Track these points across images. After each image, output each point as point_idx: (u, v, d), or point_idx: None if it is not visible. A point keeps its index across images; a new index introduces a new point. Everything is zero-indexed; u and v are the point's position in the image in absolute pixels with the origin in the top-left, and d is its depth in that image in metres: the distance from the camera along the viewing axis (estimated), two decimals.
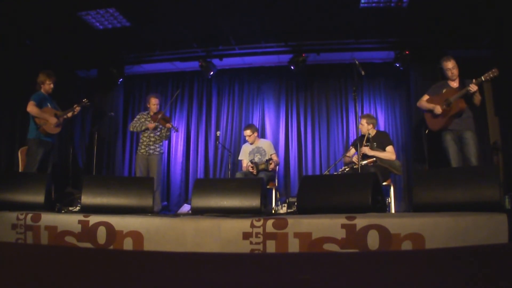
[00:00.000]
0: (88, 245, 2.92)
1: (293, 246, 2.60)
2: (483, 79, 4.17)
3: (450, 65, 4.48)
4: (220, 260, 2.24)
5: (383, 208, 3.09)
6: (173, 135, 6.86)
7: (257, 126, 6.23)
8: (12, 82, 5.66)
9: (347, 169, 4.81)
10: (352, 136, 6.30)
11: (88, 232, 2.94)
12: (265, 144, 5.70)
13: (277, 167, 5.80)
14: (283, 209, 4.67)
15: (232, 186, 3.19)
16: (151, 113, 5.68)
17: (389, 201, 4.67)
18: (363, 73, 4.49)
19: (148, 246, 2.83)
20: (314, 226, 2.59)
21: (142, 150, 5.58)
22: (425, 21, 5.32)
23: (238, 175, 5.53)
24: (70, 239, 2.97)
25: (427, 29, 5.51)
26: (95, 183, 3.48)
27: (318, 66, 6.54)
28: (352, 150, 5.07)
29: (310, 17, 5.43)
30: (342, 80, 6.63)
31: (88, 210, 3.24)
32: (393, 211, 4.65)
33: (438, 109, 4.46)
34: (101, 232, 2.92)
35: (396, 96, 6.44)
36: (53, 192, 4.14)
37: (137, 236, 2.86)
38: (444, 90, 4.52)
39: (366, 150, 4.79)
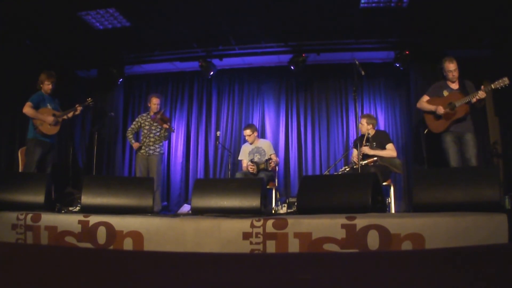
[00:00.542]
0: (88, 245, 2.92)
1: (293, 246, 2.60)
2: (493, 87, 4.14)
3: (452, 67, 4.45)
4: (220, 260, 2.24)
5: (383, 208, 3.09)
6: (173, 135, 6.86)
7: (257, 126, 6.23)
8: (12, 82, 5.66)
9: (347, 169, 4.81)
10: (352, 136, 6.30)
11: (88, 232, 2.94)
12: (265, 144, 5.70)
13: (277, 167, 5.80)
14: (283, 209, 4.67)
15: (232, 186, 3.19)
16: (151, 113, 5.69)
17: (389, 201, 4.67)
18: (363, 73, 4.49)
19: (148, 246, 2.83)
20: (314, 226, 2.59)
21: (142, 151, 5.58)
22: (425, 21, 5.32)
23: (238, 175, 5.53)
24: (70, 239, 2.97)
25: (427, 29, 5.51)
26: (95, 183, 3.48)
27: (318, 66, 6.54)
28: (355, 152, 5.07)
29: (310, 17, 5.43)
30: (342, 80, 6.63)
31: (88, 210, 3.24)
32: (393, 211, 4.65)
33: (440, 109, 4.42)
34: (101, 232, 2.92)
35: (396, 96, 6.44)
36: (53, 192, 4.12)
37: (137, 236, 2.86)
38: (445, 92, 4.50)
39: (366, 150, 4.79)
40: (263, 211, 3.03)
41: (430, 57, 5.80)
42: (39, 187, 3.45)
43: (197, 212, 3.16)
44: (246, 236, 2.68)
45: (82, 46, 6.15)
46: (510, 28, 5.10)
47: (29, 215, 3.09)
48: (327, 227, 2.57)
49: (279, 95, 6.83)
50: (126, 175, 6.72)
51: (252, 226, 2.69)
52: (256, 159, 5.52)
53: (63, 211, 3.78)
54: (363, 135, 4.96)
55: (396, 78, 6.37)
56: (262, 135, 6.58)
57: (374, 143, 4.86)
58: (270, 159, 5.44)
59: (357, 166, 4.47)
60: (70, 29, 5.55)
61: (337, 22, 5.54)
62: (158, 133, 5.62)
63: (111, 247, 2.88)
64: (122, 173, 6.77)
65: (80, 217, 3.02)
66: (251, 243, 2.66)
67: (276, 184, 5.68)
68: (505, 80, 4.08)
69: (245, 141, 5.85)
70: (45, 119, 4.77)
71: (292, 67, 6.17)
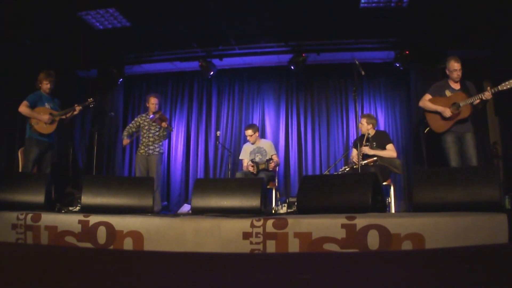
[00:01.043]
0: (88, 245, 2.92)
1: (293, 246, 2.60)
2: (499, 88, 4.12)
3: (457, 66, 4.43)
4: (220, 260, 2.24)
5: (383, 208, 3.09)
6: (173, 134, 6.86)
7: (258, 126, 6.22)
8: (12, 82, 5.67)
9: (347, 169, 4.81)
10: (352, 136, 6.30)
11: (88, 232, 2.94)
12: (266, 144, 5.69)
13: (277, 167, 5.79)
14: (283, 209, 4.67)
15: (232, 186, 3.19)
16: (150, 113, 5.69)
17: (389, 201, 4.67)
18: (363, 73, 4.48)
19: (148, 246, 2.83)
20: (314, 226, 2.59)
21: (142, 151, 5.58)
22: (425, 21, 5.32)
23: (238, 175, 5.52)
24: (70, 239, 2.97)
25: (427, 29, 5.51)
26: (95, 183, 3.48)
27: (318, 66, 6.54)
28: (355, 151, 5.07)
29: (310, 17, 5.43)
30: (342, 80, 6.64)
31: (88, 210, 3.24)
32: (393, 211, 4.65)
33: (447, 113, 4.39)
34: (101, 232, 2.92)
35: (396, 96, 6.44)
36: (53, 192, 4.13)
37: (137, 236, 2.86)
38: (447, 92, 4.49)
39: (366, 149, 4.79)
40: (263, 211, 3.03)
41: (430, 57, 5.80)
42: (39, 187, 3.45)
43: (197, 212, 3.16)
44: (246, 236, 2.68)
45: (82, 46, 6.14)
46: (510, 28, 5.10)
47: (29, 215, 3.09)
48: (327, 227, 2.57)
49: (279, 95, 6.83)
50: (126, 175, 6.72)
51: (252, 226, 2.69)
52: (257, 159, 5.52)
53: (63, 211, 3.78)
54: (363, 135, 4.96)
55: (396, 78, 6.37)
56: (262, 135, 6.58)
57: (374, 143, 4.86)
58: (270, 159, 5.43)
59: (357, 166, 4.47)
60: (70, 29, 5.55)
61: (337, 22, 5.54)
62: (157, 133, 5.62)
63: (111, 247, 2.88)
64: (122, 173, 6.77)
65: (80, 217, 3.02)
66: (251, 243, 2.66)
67: (276, 184, 5.68)
68: None
69: (245, 140, 5.85)
70: (40, 118, 4.76)
71: (292, 67, 6.17)
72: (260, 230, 2.67)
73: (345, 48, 6.02)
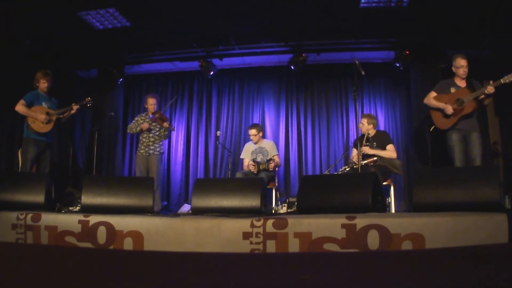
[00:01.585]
0: (88, 245, 2.92)
1: (293, 246, 2.60)
2: (502, 81, 4.10)
3: (464, 63, 4.43)
4: (220, 260, 2.24)
5: (383, 208, 3.09)
6: (173, 134, 6.86)
7: (262, 126, 6.21)
8: (12, 82, 5.66)
9: (347, 169, 4.81)
10: (352, 136, 6.30)
11: (88, 232, 2.94)
12: (268, 144, 5.69)
13: (277, 168, 5.79)
14: (283, 209, 4.67)
15: (232, 186, 3.19)
16: (149, 113, 5.69)
17: (389, 201, 4.67)
18: (363, 73, 4.48)
19: (148, 246, 2.83)
20: (314, 226, 2.60)
21: (142, 151, 5.58)
22: (425, 21, 5.32)
23: (238, 175, 5.52)
24: (70, 239, 2.97)
25: (427, 29, 5.51)
26: (95, 183, 3.48)
27: (318, 66, 6.54)
28: (355, 151, 5.07)
29: (310, 17, 5.43)
30: (342, 80, 6.63)
31: (88, 210, 3.24)
32: (393, 211, 4.65)
33: (449, 109, 4.39)
34: (101, 232, 2.92)
35: (396, 96, 6.44)
36: (53, 192, 4.13)
37: (137, 236, 2.86)
38: (452, 89, 4.47)
39: (366, 149, 4.79)
40: (263, 211, 3.03)
41: (430, 57, 5.80)
42: (39, 187, 3.46)
43: (197, 212, 3.16)
44: (246, 236, 2.68)
45: (82, 46, 6.14)
46: (510, 28, 5.10)
47: (29, 215, 3.09)
48: (327, 227, 2.57)
49: (279, 95, 6.83)
50: (126, 175, 6.72)
51: (252, 226, 2.69)
52: (258, 159, 5.52)
53: (63, 211, 3.79)
54: (363, 135, 4.96)
55: (396, 78, 6.37)
56: (263, 135, 6.57)
57: (375, 143, 4.86)
58: (271, 159, 5.43)
59: (357, 166, 4.47)
60: (70, 29, 5.55)
61: (337, 22, 5.54)
62: (157, 133, 5.62)
63: (111, 247, 2.88)
64: (122, 173, 6.77)
65: (80, 217, 3.02)
66: (251, 243, 2.66)
67: (276, 184, 5.67)
68: None
69: (245, 140, 5.85)
70: (37, 116, 4.75)
71: (292, 67, 6.17)
72: (260, 230, 2.67)
73: (345, 48, 6.01)
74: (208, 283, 1.61)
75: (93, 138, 6.25)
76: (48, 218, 3.07)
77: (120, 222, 2.93)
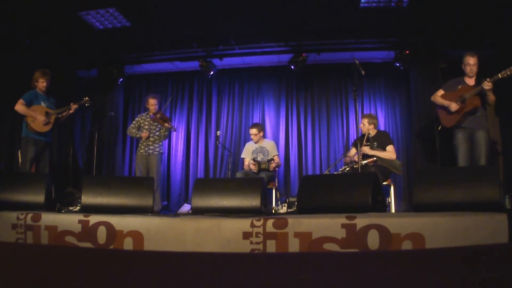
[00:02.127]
0: (88, 245, 2.92)
1: (293, 246, 2.60)
2: (499, 76, 4.08)
3: (472, 61, 4.38)
4: (220, 260, 2.24)
5: (383, 208, 3.09)
6: (173, 135, 6.86)
7: (262, 126, 6.21)
8: (11, 82, 5.66)
9: (347, 169, 4.81)
10: (352, 136, 6.30)
11: (88, 232, 2.94)
12: (269, 144, 5.69)
13: (278, 168, 5.79)
14: (283, 209, 4.66)
15: (232, 186, 3.19)
16: (150, 114, 5.69)
17: (389, 200, 4.66)
18: (363, 73, 4.48)
19: (148, 246, 2.83)
20: (314, 226, 2.60)
21: (142, 151, 5.58)
22: (425, 21, 5.32)
23: (239, 174, 5.52)
24: (70, 239, 2.97)
25: (427, 29, 5.51)
26: (95, 183, 3.48)
27: (318, 66, 6.54)
28: (354, 150, 5.07)
29: (310, 17, 5.43)
30: (342, 80, 6.63)
31: (88, 210, 3.24)
32: (393, 211, 4.65)
33: (453, 106, 4.37)
34: (101, 232, 2.92)
35: (396, 96, 6.44)
36: (53, 192, 4.13)
37: (137, 236, 2.87)
38: (459, 87, 4.46)
39: (366, 149, 4.79)
40: (263, 211, 3.03)
41: (430, 57, 5.80)
42: (39, 187, 3.46)
43: (197, 211, 3.16)
44: (246, 235, 2.68)
45: (82, 46, 6.14)
46: (510, 28, 5.10)
47: (29, 215, 3.09)
48: (327, 226, 2.57)
49: (279, 95, 6.83)
50: (126, 175, 6.72)
51: (252, 225, 2.69)
52: (259, 159, 5.52)
53: (63, 211, 3.78)
54: (363, 135, 4.96)
55: (396, 78, 6.37)
56: (263, 134, 6.57)
57: (375, 143, 4.86)
58: (271, 159, 5.43)
59: (357, 166, 4.47)
60: (70, 29, 5.55)
61: (337, 22, 5.54)
62: (157, 133, 5.62)
63: (111, 247, 2.88)
64: (122, 173, 6.77)
65: (80, 216, 3.03)
66: (251, 242, 2.66)
67: (276, 184, 5.68)
68: None
69: (245, 140, 5.86)
70: (36, 116, 4.75)
71: (292, 67, 6.17)
72: (260, 230, 2.67)
73: (345, 48, 6.01)
74: (208, 283, 1.61)
75: (93, 138, 6.25)
76: (48, 218, 3.07)
77: (120, 222, 2.93)
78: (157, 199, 5.08)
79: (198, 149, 6.90)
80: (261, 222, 2.68)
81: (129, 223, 2.92)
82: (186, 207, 5.66)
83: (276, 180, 5.73)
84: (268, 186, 5.24)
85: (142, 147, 5.58)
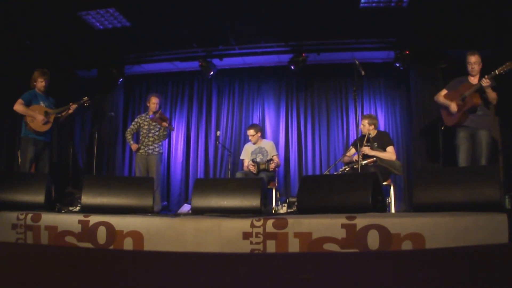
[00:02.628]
0: (88, 245, 2.92)
1: (293, 246, 2.60)
2: (497, 72, 4.08)
3: (473, 60, 4.38)
4: (220, 260, 2.24)
5: (383, 208, 3.09)
6: (173, 134, 6.86)
7: (260, 126, 6.21)
8: (11, 82, 5.66)
9: (347, 169, 4.81)
10: (352, 136, 6.30)
11: (88, 232, 2.94)
12: (268, 144, 5.69)
13: (277, 168, 5.79)
14: (283, 209, 4.66)
15: (232, 186, 3.19)
16: (150, 113, 5.70)
17: (389, 201, 4.67)
18: (363, 73, 4.48)
19: (148, 246, 2.83)
20: (314, 226, 2.59)
21: (141, 151, 5.58)
22: (425, 21, 5.31)
23: (238, 175, 5.52)
24: (70, 239, 2.97)
25: (427, 29, 5.51)
26: (95, 183, 3.48)
27: (318, 66, 6.54)
28: (353, 150, 5.07)
29: (310, 17, 5.42)
30: (342, 80, 6.63)
31: (88, 210, 3.24)
32: (393, 211, 4.65)
33: (453, 107, 4.39)
34: (101, 232, 2.92)
35: (396, 96, 6.44)
36: (53, 192, 4.13)
37: (137, 236, 2.86)
38: (461, 85, 4.46)
39: (366, 150, 4.79)
40: (263, 211, 3.03)
41: (430, 57, 5.80)
42: (39, 187, 3.45)
43: (197, 212, 3.16)
44: (246, 236, 2.68)
45: (82, 46, 6.14)
46: (510, 28, 5.10)
47: (29, 215, 3.09)
48: (327, 227, 2.57)
49: (279, 95, 6.82)
50: (126, 175, 6.72)
51: (252, 226, 2.69)
52: (258, 159, 5.52)
53: (63, 211, 3.78)
54: (363, 135, 4.96)
55: (396, 78, 6.37)
56: (262, 135, 6.57)
57: (375, 144, 4.86)
58: (271, 159, 5.43)
59: (356, 166, 4.47)
60: (70, 29, 5.55)
61: (337, 22, 5.54)
62: (157, 133, 5.62)
63: (111, 247, 2.88)
64: (122, 173, 6.77)
65: (80, 217, 3.02)
66: (251, 243, 2.66)
67: (276, 184, 5.67)
68: (509, 65, 4.02)
69: (245, 140, 5.85)
70: (35, 116, 4.74)
71: (292, 67, 6.16)
72: (260, 230, 2.67)
73: (345, 48, 6.01)
74: (208, 283, 1.61)
75: (93, 138, 6.24)
76: (48, 218, 3.07)
77: (120, 222, 2.93)
78: (157, 199, 5.08)
79: (198, 149, 6.90)
80: (261, 222, 2.68)
81: (129, 223, 2.92)
82: (186, 207, 5.66)
83: (276, 180, 5.73)
84: (268, 186, 5.24)
85: (142, 147, 5.59)
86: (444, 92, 4.60)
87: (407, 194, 5.83)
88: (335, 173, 5.41)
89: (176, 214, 3.76)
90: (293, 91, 6.80)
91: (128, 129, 5.81)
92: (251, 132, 5.61)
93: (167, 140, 6.52)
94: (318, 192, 3.11)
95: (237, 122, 6.85)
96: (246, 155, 5.71)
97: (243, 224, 2.71)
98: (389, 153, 4.81)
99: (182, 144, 6.95)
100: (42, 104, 4.86)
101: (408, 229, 2.45)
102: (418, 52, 5.74)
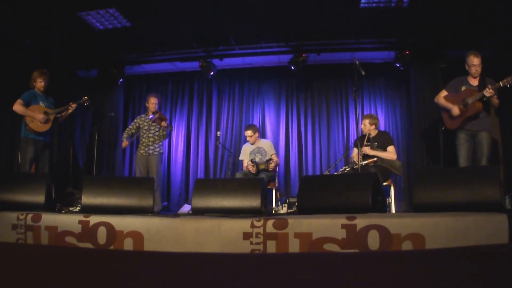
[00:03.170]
0: (88, 245, 2.92)
1: (294, 246, 2.60)
2: (501, 84, 4.04)
3: (476, 62, 4.31)
4: (220, 260, 2.24)
5: (384, 208, 3.09)
6: (174, 135, 6.86)
7: (258, 126, 6.23)
8: (12, 83, 5.66)
9: (347, 169, 4.81)
10: (352, 136, 6.30)
11: (88, 232, 2.94)
12: (266, 144, 5.69)
13: (277, 167, 5.79)
14: (284, 209, 4.66)
15: (233, 186, 3.19)
16: (149, 113, 5.70)
17: (390, 201, 4.66)
18: (363, 73, 4.47)
19: (148, 246, 2.83)
20: (314, 226, 2.59)
21: (142, 151, 5.59)
22: (425, 21, 5.31)
23: (238, 175, 5.52)
24: (70, 239, 2.97)
25: (427, 29, 5.51)
26: (96, 183, 3.48)
27: (318, 66, 6.54)
28: (355, 151, 5.07)
29: (310, 17, 5.42)
30: (342, 80, 6.63)
31: (89, 210, 3.24)
32: (393, 211, 4.65)
33: (455, 111, 4.36)
34: (102, 232, 2.92)
35: (396, 96, 6.44)
36: (53, 192, 4.13)
37: (137, 236, 2.86)
38: (463, 88, 4.42)
39: (366, 150, 4.79)
40: (263, 211, 3.03)
41: (430, 57, 5.79)
42: (39, 187, 3.45)
43: (197, 212, 3.16)
44: (247, 236, 2.68)
45: (82, 46, 6.14)
46: (510, 28, 5.09)
47: (30, 215, 3.09)
48: (327, 227, 2.57)
49: (279, 95, 6.82)
50: (126, 175, 6.72)
51: (253, 226, 2.69)
52: (257, 159, 5.52)
53: (63, 211, 3.78)
54: (364, 135, 4.96)
55: (396, 78, 6.37)
56: (263, 135, 6.57)
57: (376, 143, 4.86)
58: (270, 159, 5.43)
59: (357, 166, 4.47)
60: (70, 29, 5.55)
61: (337, 22, 5.54)
62: (157, 133, 5.62)
63: (111, 247, 2.88)
64: (122, 173, 6.77)
65: (81, 217, 3.02)
66: (251, 243, 2.66)
67: (277, 184, 5.68)
68: None
69: (245, 141, 5.85)
70: (35, 115, 4.74)
71: (292, 67, 6.16)
72: (260, 230, 2.67)
73: (345, 48, 6.01)
74: (208, 283, 1.61)
75: (93, 138, 6.24)
76: (48, 218, 3.07)
77: (120, 223, 2.93)
78: (157, 200, 5.08)
79: (198, 149, 6.90)
80: (261, 222, 2.68)
81: (129, 224, 2.92)
82: (186, 208, 5.66)
83: (276, 181, 5.73)
84: (268, 187, 5.24)
85: (142, 147, 5.59)
86: (444, 93, 4.57)
87: (407, 194, 5.83)
88: (335, 173, 5.42)
89: (176, 214, 3.76)
90: (293, 91, 6.80)
91: (126, 129, 5.82)
92: (248, 133, 5.62)
93: (167, 140, 6.53)
94: (318, 192, 3.11)
95: (237, 122, 6.85)
96: (245, 155, 5.71)
97: (243, 224, 2.71)
98: (390, 153, 4.81)
99: (182, 144, 6.95)
100: (41, 104, 4.86)
101: (408, 229, 2.45)
102: (418, 52, 5.74)
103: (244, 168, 5.69)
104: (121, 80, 6.68)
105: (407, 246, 2.43)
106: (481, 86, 4.30)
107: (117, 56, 6.48)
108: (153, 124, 5.62)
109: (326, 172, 5.77)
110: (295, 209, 4.12)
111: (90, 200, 3.34)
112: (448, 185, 2.82)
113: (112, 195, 3.36)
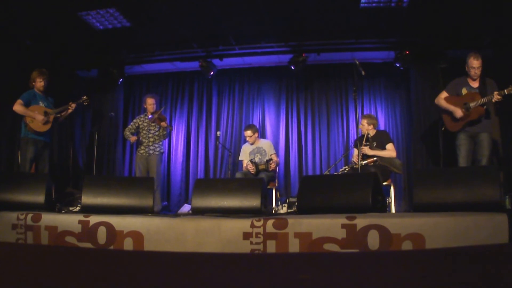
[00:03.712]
0: (88, 245, 2.92)
1: (294, 246, 2.60)
2: (506, 92, 4.04)
3: (476, 64, 4.30)
4: (220, 260, 2.24)
5: (384, 208, 3.09)
6: (173, 135, 6.86)
7: (258, 126, 6.23)
8: (12, 83, 5.66)
9: (347, 169, 4.81)
10: (352, 136, 6.30)
11: (88, 232, 2.94)
12: (266, 144, 5.69)
13: (277, 167, 5.79)
14: (283, 209, 4.67)
15: (233, 186, 3.19)
16: (148, 114, 5.70)
17: (390, 201, 4.67)
18: (363, 73, 4.48)
19: (148, 246, 2.83)
20: (314, 226, 2.59)
21: (142, 151, 5.59)
22: (425, 21, 5.31)
23: (238, 175, 5.52)
24: (70, 239, 2.97)
25: (427, 29, 5.51)
26: (96, 183, 3.48)
27: (318, 66, 6.54)
28: (356, 152, 5.07)
29: (310, 17, 5.43)
30: (342, 80, 6.63)
31: (89, 210, 3.25)
32: (393, 211, 4.65)
33: (458, 113, 4.35)
34: (102, 232, 2.92)
35: (396, 96, 6.44)
36: (53, 192, 4.13)
37: (137, 236, 2.87)
38: (464, 90, 4.41)
39: (366, 150, 4.79)
40: (263, 211, 3.03)
41: (430, 57, 5.80)
42: (39, 187, 3.46)
43: (197, 212, 3.16)
44: (246, 236, 2.68)
45: (82, 46, 6.14)
46: (510, 28, 5.09)
47: (30, 215, 3.09)
48: (327, 227, 2.57)
49: (279, 95, 6.83)
50: (126, 175, 6.72)
51: (252, 226, 2.69)
52: (256, 159, 5.52)
53: (63, 211, 3.78)
54: (363, 135, 4.96)
55: (396, 78, 6.37)
56: (262, 135, 6.57)
57: (374, 143, 4.86)
58: (270, 159, 5.43)
59: (357, 166, 4.47)
60: (70, 29, 5.55)
61: (337, 22, 5.54)
62: (156, 133, 5.62)
63: (111, 247, 2.88)
64: (122, 173, 6.77)
65: (81, 217, 3.03)
66: (251, 243, 2.66)
67: (277, 184, 5.68)
68: None
69: (245, 141, 5.85)
70: (35, 116, 4.74)
71: (292, 67, 6.17)
72: (260, 230, 2.67)
73: (345, 48, 6.01)
74: (208, 283, 1.61)
75: (93, 138, 6.25)
76: (48, 218, 3.07)
77: (120, 222, 2.93)
78: (157, 199, 5.08)
79: (198, 149, 6.90)
80: (261, 222, 2.68)
81: (129, 224, 2.92)
82: (186, 208, 5.66)
83: (276, 181, 5.73)
84: (268, 187, 5.24)
85: (142, 147, 5.59)
86: (444, 95, 4.55)
87: (407, 194, 5.83)
88: (335, 173, 5.42)
89: (176, 214, 3.76)
90: (293, 91, 6.80)
91: (127, 128, 5.82)
92: (248, 133, 5.62)
93: (167, 140, 6.53)
94: (318, 192, 3.11)
95: (237, 122, 6.85)
96: (245, 155, 5.71)
97: (243, 224, 2.71)
98: (389, 151, 4.81)
99: (182, 144, 6.95)
100: (41, 104, 4.86)
101: (408, 229, 2.45)
102: (418, 52, 5.74)
103: (244, 168, 5.69)
104: (121, 80, 6.68)
105: (407, 246, 2.43)
106: (482, 88, 4.31)
107: (117, 56, 6.48)
108: (153, 124, 5.63)
109: (326, 172, 5.78)
110: (295, 209, 4.12)
111: (90, 200, 3.34)
112: (448, 185, 2.82)
113: (112, 195, 3.36)
